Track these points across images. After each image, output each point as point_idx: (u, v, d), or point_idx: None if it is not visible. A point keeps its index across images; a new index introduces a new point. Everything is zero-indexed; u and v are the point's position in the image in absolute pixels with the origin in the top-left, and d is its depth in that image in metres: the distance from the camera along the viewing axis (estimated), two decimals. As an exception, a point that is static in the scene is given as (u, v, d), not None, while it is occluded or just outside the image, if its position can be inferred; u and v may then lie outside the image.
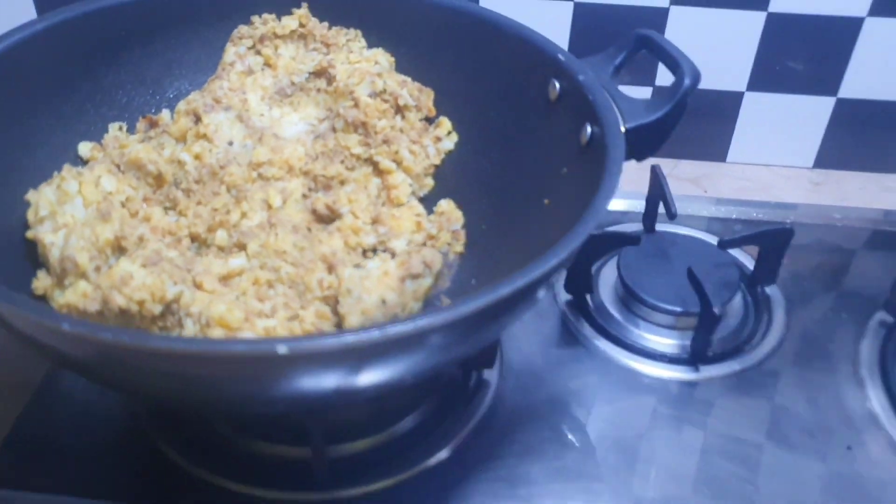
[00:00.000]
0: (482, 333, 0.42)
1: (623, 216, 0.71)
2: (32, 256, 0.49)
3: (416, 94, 0.60)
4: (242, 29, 0.60)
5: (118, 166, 0.53)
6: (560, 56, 0.54)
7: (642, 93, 0.75)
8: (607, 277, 0.65)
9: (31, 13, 0.76)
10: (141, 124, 0.58)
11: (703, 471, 0.52)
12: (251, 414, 0.49)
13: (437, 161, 0.60)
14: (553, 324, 0.62)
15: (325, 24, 0.61)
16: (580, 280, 0.63)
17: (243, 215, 0.53)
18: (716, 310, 0.56)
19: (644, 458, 0.53)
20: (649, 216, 0.67)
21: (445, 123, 0.60)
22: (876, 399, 0.57)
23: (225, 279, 0.49)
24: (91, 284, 0.45)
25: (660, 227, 0.68)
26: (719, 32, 0.73)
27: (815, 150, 0.79)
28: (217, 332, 0.44)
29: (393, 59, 0.61)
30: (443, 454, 0.53)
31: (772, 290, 0.65)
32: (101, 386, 0.49)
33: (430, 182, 0.60)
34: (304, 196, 0.57)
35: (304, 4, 0.61)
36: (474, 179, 0.59)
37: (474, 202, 0.58)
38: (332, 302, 0.49)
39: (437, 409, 0.55)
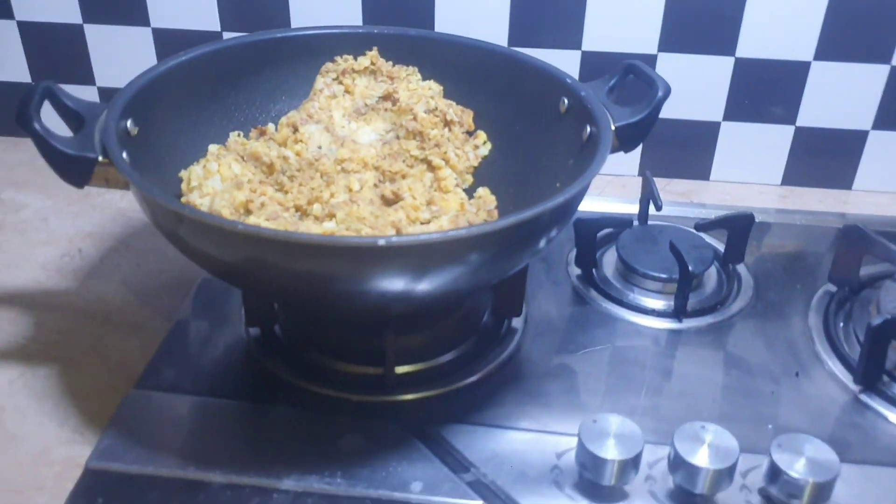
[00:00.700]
0: (511, 252, 0.58)
1: (622, 217, 0.87)
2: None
3: (459, 113, 0.78)
4: (329, 65, 0.79)
5: (242, 157, 0.71)
6: (567, 80, 0.72)
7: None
8: (609, 259, 0.82)
9: (151, 54, 0.96)
10: (253, 133, 0.76)
11: (683, 390, 0.68)
12: (349, 308, 0.64)
13: (476, 163, 0.78)
14: (567, 291, 0.79)
15: (390, 62, 0.80)
16: (588, 258, 0.80)
17: (332, 195, 0.71)
18: (690, 268, 0.72)
19: (637, 380, 0.69)
20: (642, 211, 0.84)
21: (482, 135, 0.78)
22: (819, 344, 0.72)
23: (320, 237, 0.67)
24: (231, 231, 0.63)
25: (654, 222, 0.85)
26: (699, 73, 0.91)
27: (782, 170, 0.96)
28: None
29: (441, 88, 0.80)
30: (479, 376, 0.68)
31: (741, 269, 0.81)
32: (244, 287, 0.65)
33: (469, 178, 0.77)
34: (375, 185, 0.75)
35: (375, 48, 0.80)
36: (504, 175, 0.76)
37: (504, 191, 0.75)
38: (400, 253, 0.67)
39: (475, 346, 0.72)
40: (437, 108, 0.77)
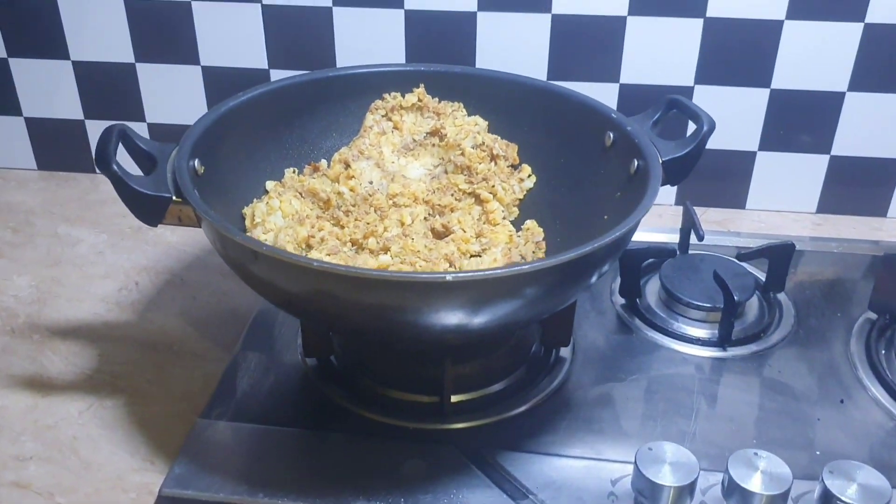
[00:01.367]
0: (565, 286, 0.61)
1: (664, 246, 0.89)
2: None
3: (504, 148, 0.80)
4: (377, 103, 0.82)
5: (300, 193, 0.74)
6: (613, 115, 0.75)
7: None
8: (652, 288, 0.84)
9: (200, 92, 0.99)
10: (307, 170, 0.79)
11: (730, 416, 0.69)
12: (409, 340, 0.66)
13: (521, 196, 0.80)
14: (612, 320, 0.81)
15: (437, 98, 0.83)
16: (632, 288, 0.82)
17: (385, 229, 0.73)
18: (735, 298, 0.74)
19: (685, 407, 0.70)
20: (683, 241, 0.86)
21: (527, 169, 0.81)
22: (862, 370, 0.74)
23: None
24: (295, 265, 0.66)
25: (692, 251, 0.87)
26: (735, 104, 0.93)
27: (817, 198, 0.98)
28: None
29: (486, 123, 0.82)
30: (531, 404, 0.70)
31: (782, 297, 0.83)
32: (308, 318, 0.66)
33: (516, 211, 0.80)
34: (425, 219, 0.77)
35: (422, 85, 0.83)
36: (550, 207, 0.79)
37: (550, 223, 0.78)
38: (455, 285, 0.69)
39: (525, 375, 0.74)
40: (483, 143, 0.79)
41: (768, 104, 0.93)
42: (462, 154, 0.79)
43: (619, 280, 0.82)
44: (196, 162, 0.67)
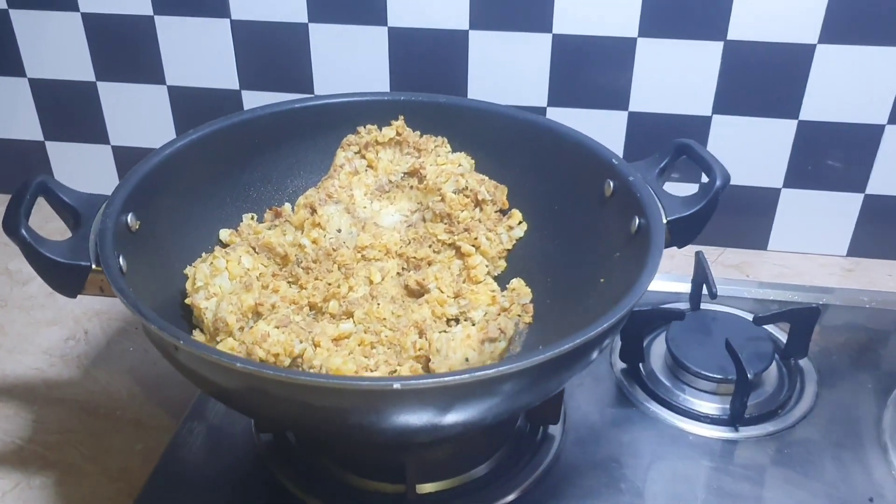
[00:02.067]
0: (547, 382, 0.52)
1: (674, 297, 0.80)
2: (188, 318, 0.61)
3: (492, 191, 0.71)
4: (350, 137, 0.73)
5: (254, 248, 0.65)
6: (614, 161, 0.65)
7: (691, 188, 0.86)
8: (657, 349, 0.74)
9: (167, 113, 0.91)
10: (268, 215, 0.71)
11: (740, 516, 0.61)
12: (364, 442, 0.59)
13: (510, 246, 0.71)
14: (610, 388, 0.71)
15: (418, 132, 0.74)
16: (634, 350, 0.72)
17: (350, 289, 0.65)
18: (749, 375, 0.64)
19: (688, 501, 0.61)
20: (694, 296, 0.76)
21: (517, 215, 0.71)
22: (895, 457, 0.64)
23: (337, 340, 0.61)
24: (237, 341, 0.57)
25: (704, 306, 0.77)
26: (757, 136, 0.83)
27: (848, 240, 0.88)
28: (335, 381, 0.55)
29: (473, 161, 0.73)
30: (513, 496, 0.62)
31: (804, 363, 0.73)
32: (248, 414, 0.59)
33: (503, 263, 0.71)
34: (399, 273, 0.68)
35: (401, 117, 0.73)
36: (541, 261, 0.69)
37: (540, 281, 0.68)
38: (424, 360, 0.60)
39: (508, 457, 0.65)
40: (467, 188, 0.70)
41: (795, 136, 0.83)
42: (442, 200, 0.69)
43: (619, 342, 0.73)
44: (130, 217, 0.59)
